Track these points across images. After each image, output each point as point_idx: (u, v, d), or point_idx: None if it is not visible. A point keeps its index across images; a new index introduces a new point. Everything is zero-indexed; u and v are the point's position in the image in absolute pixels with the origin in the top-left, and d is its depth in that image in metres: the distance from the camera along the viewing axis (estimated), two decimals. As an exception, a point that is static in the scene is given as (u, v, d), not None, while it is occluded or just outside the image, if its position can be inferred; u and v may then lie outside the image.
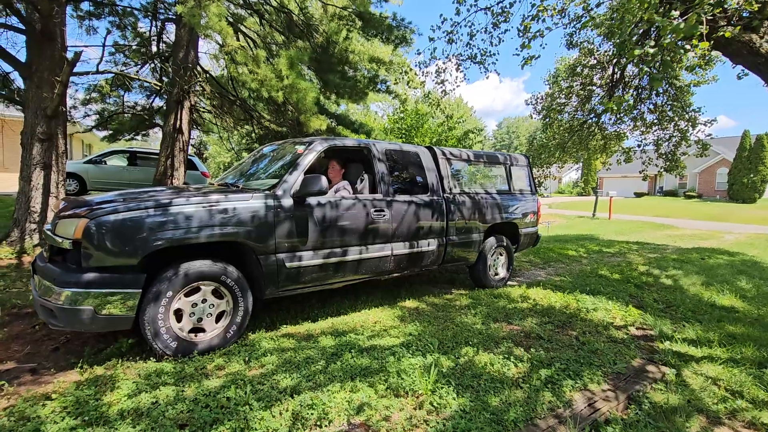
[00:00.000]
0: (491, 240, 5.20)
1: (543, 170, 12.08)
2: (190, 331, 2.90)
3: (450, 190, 4.73)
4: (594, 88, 11.23)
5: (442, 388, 2.50)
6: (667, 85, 9.94)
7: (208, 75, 8.69)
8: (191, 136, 9.08)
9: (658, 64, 3.45)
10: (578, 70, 10.60)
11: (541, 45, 10.00)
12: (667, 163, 10.03)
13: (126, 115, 10.24)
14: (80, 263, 2.52)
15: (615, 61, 9.49)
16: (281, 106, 7.99)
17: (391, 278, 4.29)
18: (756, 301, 5.45)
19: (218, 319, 3.02)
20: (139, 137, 11.77)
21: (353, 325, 3.63)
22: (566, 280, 5.72)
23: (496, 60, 6.95)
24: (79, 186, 11.01)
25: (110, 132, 10.75)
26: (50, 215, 5.75)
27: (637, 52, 2.94)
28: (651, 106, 10.55)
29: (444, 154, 4.88)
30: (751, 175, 29.65)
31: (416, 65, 6.96)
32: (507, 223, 5.39)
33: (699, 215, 21.38)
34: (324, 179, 3.30)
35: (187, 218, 2.79)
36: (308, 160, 3.56)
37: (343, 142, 4.02)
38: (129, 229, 2.59)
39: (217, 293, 2.99)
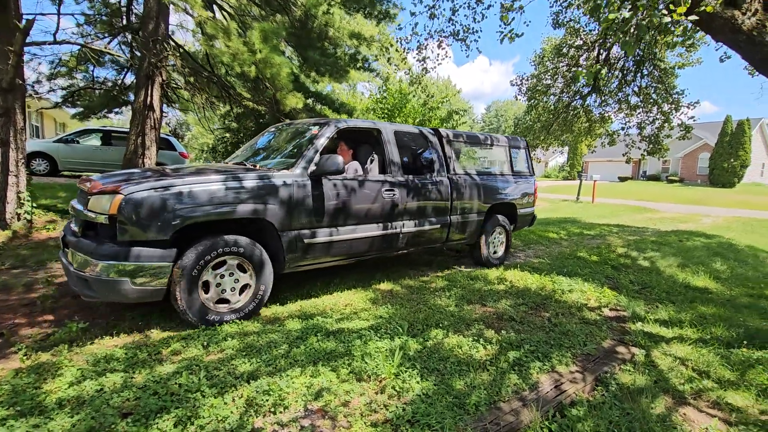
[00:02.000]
0: (492, 219, 5.36)
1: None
2: (216, 302, 3.07)
3: (454, 170, 4.90)
4: (580, 69, 11.11)
5: (406, 371, 2.42)
6: (651, 67, 9.87)
7: (182, 50, 8.29)
8: (168, 115, 8.75)
9: (633, 29, 3.32)
10: (564, 50, 10.44)
11: (525, 23, 9.82)
12: (650, 146, 10.04)
13: (97, 91, 9.78)
14: (115, 237, 2.69)
15: (600, 41, 9.36)
16: (258, 83, 7.69)
17: (367, 261, 4.18)
18: (729, 282, 5.54)
19: (241, 291, 3.18)
20: (112, 115, 11.30)
21: (323, 307, 3.52)
22: (544, 262, 5.70)
23: (479, 38, 6.75)
24: (50, 166, 10.57)
25: (81, 109, 10.29)
26: (10, 195, 5.47)
27: (611, 16, 2.80)
28: (635, 89, 10.50)
29: (449, 135, 5.03)
30: (732, 160, 30.17)
31: (397, 41, 6.72)
32: (506, 203, 5.57)
33: (680, 199, 21.73)
34: (341, 159, 3.45)
35: (216, 196, 2.95)
36: (323, 140, 3.69)
37: (354, 123, 4.12)
38: (162, 206, 2.75)
39: (241, 267, 3.14)
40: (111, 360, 2.41)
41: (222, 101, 8.82)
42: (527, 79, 11.06)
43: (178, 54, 7.80)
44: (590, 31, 9.40)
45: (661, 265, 6.08)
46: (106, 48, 8.64)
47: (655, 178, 36.92)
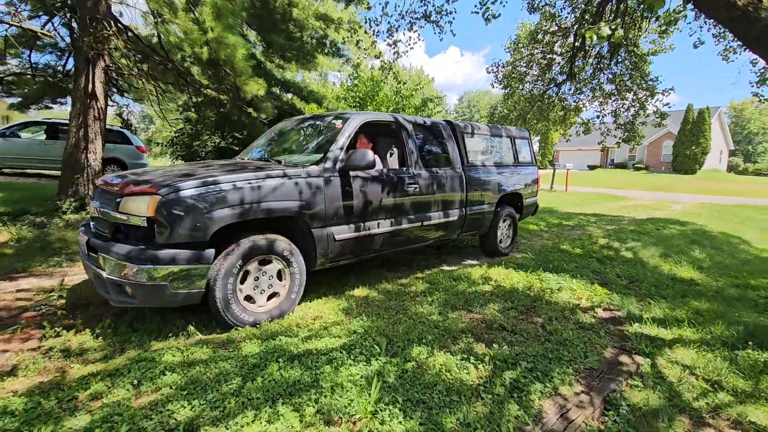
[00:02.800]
0: (501, 210, 5.46)
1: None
2: (251, 301, 3.02)
3: (468, 162, 4.96)
4: (555, 56, 10.91)
5: (385, 408, 1.99)
6: (626, 54, 9.74)
7: (130, 33, 7.46)
8: (129, 107, 7.94)
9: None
10: (539, 36, 10.18)
11: (501, 3, 9.43)
12: (626, 134, 9.97)
13: (35, 78, 8.77)
14: (152, 239, 2.59)
15: (576, 26, 9.13)
16: (218, 69, 7.00)
17: (340, 265, 3.74)
18: (712, 272, 5.44)
19: (276, 293, 3.15)
20: (56, 106, 10.25)
21: (288, 323, 3.04)
22: (528, 257, 5.40)
23: (453, 19, 6.32)
24: (-15, 164, 9.50)
25: (19, 99, 9.24)
26: None
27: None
28: (610, 76, 10.38)
29: (462, 127, 5.09)
30: (693, 148, 31.28)
31: (366, 22, 6.21)
32: (514, 193, 5.68)
33: (647, 186, 22.27)
34: (371, 153, 3.41)
35: (252, 194, 2.88)
36: (349, 134, 3.64)
37: (376, 116, 4.09)
38: (202, 206, 2.66)
39: (276, 266, 3.10)
40: (4, 414, 1.86)
41: (179, 89, 8.06)
42: (503, 66, 10.75)
43: (127, 37, 7.00)
44: (566, 16, 9.15)
45: (644, 256, 5.94)
46: (42, 31, 7.69)
47: (622, 165, 37.94)
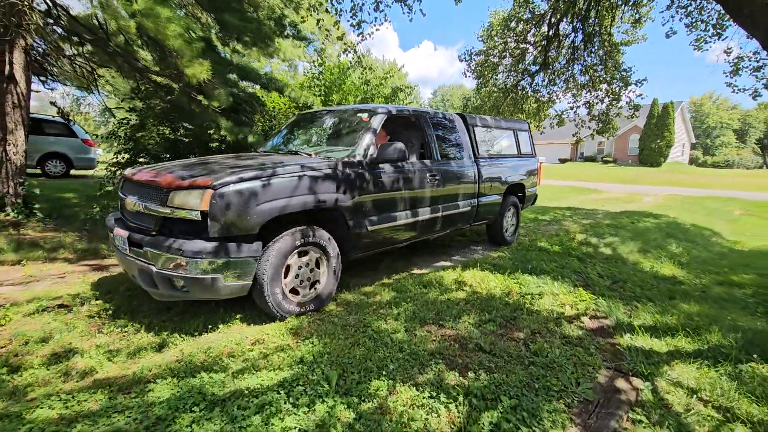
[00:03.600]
0: (507, 199, 5.63)
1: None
2: (294, 292, 3.05)
3: (478, 154, 5.10)
4: (527, 46, 10.59)
5: (325, 485, 1.46)
6: (599, 44, 9.51)
7: (60, 9, 6.54)
8: (89, 100, 7.00)
9: None
10: (512, 24, 9.81)
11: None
12: (600, 126, 9.77)
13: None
14: (201, 233, 2.62)
15: (550, 13, 8.79)
16: (164, 52, 6.22)
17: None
18: (692, 268, 5.29)
19: (317, 281, 3.18)
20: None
21: (219, 351, 2.46)
22: (505, 257, 4.99)
23: (424, -3, 5.79)
24: None
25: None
26: None
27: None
28: (583, 67, 10.15)
29: (473, 120, 5.20)
30: (658, 141, 32.17)
31: (328, 1, 5.59)
32: (518, 184, 5.85)
33: (617, 179, 22.61)
34: (402, 146, 3.53)
35: (296, 187, 2.93)
36: (377, 127, 3.72)
37: (399, 109, 4.16)
38: (253, 199, 2.69)
39: (316, 256, 3.15)
40: None
41: (123, 75, 7.19)
42: (476, 55, 10.34)
43: (56, 13, 6.10)
44: (539, 2, 8.80)
45: (623, 252, 5.71)
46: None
47: (591, 159, 38.71)
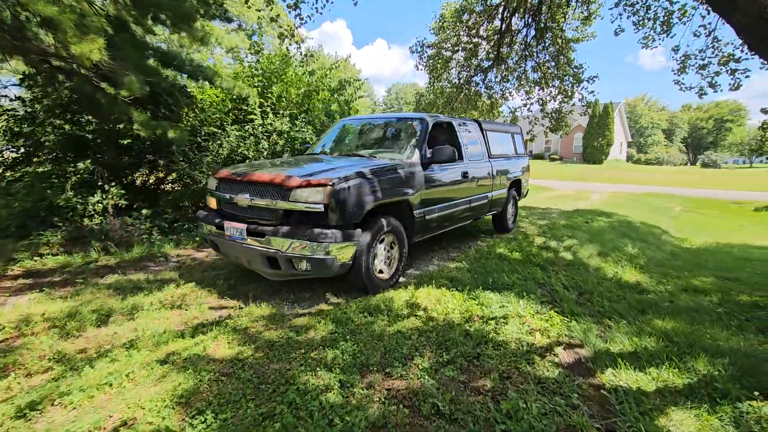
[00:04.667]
0: (509, 193, 6.58)
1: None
2: (378, 272, 3.75)
3: (491, 155, 5.97)
4: (480, 40, 10.24)
5: None
6: (550, 40, 9.33)
7: None
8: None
9: None
10: (465, 17, 9.39)
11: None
12: (553, 123, 9.62)
13: None
14: (322, 222, 3.29)
15: (503, 6, 8.44)
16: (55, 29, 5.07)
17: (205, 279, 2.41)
18: (652, 271, 5.23)
19: (390, 263, 3.92)
20: None
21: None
22: (463, 268, 4.46)
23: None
24: None
25: None
26: None
27: None
28: (535, 63, 9.96)
29: (486, 125, 6.10)
30: (600, 139, 33.78)
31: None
32: (518, 179, 6.83)
33: (565, 176, 23.30)
34: (452, 149, 4.31)
35: (387, 183, 3.75)
36: (427, 132, 4.59)
37: (438, 117, 5.02)
38: (360, 193, 3.45)
39: (391, 242, 3.90)
40: None
41: (6, 52, 5.88)
42: (428, 47, 9.84)
43: None
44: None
45: (583, 256, 5.45)
46: None
47: (539, 156, 40.05)
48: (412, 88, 67.32)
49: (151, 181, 6.57)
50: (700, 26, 7.24)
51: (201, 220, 3.94)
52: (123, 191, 5.48)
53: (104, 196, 5.32)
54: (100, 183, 5.49)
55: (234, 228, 3.52)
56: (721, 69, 7.20)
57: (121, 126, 5.85)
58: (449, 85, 10.80)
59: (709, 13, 6.93)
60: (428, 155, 4.34)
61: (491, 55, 9.88)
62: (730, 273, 5.32)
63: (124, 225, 5.27)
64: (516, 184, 6.90)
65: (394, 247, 3.93)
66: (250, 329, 2.82)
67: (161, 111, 6.42)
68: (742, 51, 6.85)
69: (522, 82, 10.16)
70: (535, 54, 9.69)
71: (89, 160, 5.53)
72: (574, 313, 3.39)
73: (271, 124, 6.66)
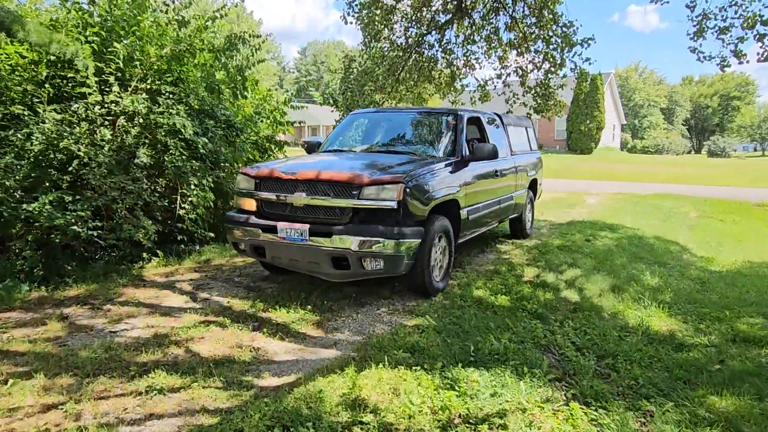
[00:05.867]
0: (528, 193, 8.09)
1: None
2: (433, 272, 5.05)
3: (512, 151, 7.46)
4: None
5: None
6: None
7: None
8: None
9: None
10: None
11: None
12: (538, 102, 9.79)
13: None
14: (393, 220, 4.46)
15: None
16: None
17: None
18: (683, 311, 5.38)
19: (443, 265, 5.25)
20: None
21: None
22: (428, 327, 4.20)
23: None
24: None
25: None
26: None
27: None
28: (510, 20, 10.11)
29: (505, 118, 7.54)
30: (588, 122, 36.08)
31: None
32: (534, 179, 8.45)
33: (549, 171, 24.22)
34: (492, 146, 5.70)
35: (443, 180, 5.15)
36: (464, 129, 6.06)
37: (469, 112, 6.60)
38: (426, 191, 4.76)
39: (443, 243, 5.17)
40: None
41: None
42: (361, -8, 9.60)
43: None
44: None
45: (592, 294, 5.65)
46: None
47: (512, 144, 41.87)
48: (337, 49, 67.54)
49: None
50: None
51: (238, 224, 4.93)
52: None
53: None
54: None
55: (292, 229, 4.52)
56: (746, 34, 7.68)
57: None
58: (391, 48, 10.62)
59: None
60: (466, 152, 5.74)
61: (450, 6, 9.87)
62: (780, 308, 5.58)
63: None
64: (533, 184, 8.39)
65: (445, 249, 5.17)
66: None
67: None
68: (772, 10, 7.36)
69: (493, 45, 10.27)
70: (509, 5, 9.83)
71: None
72: (599, 395, 3.23)
73: (116, 102, 5.93)
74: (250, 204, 4.95)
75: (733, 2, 7.67)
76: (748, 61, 7.82)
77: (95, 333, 4.11)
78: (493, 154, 5.62)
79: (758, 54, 7.66)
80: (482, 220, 6.16)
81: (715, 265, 8.27)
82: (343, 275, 4.60)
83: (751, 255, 9.31)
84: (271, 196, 4.72)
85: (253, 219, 4.80)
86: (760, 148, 72.52)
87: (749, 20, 7.62)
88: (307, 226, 4.43)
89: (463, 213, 5.46)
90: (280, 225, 4.53)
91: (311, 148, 6.87)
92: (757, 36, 7.55)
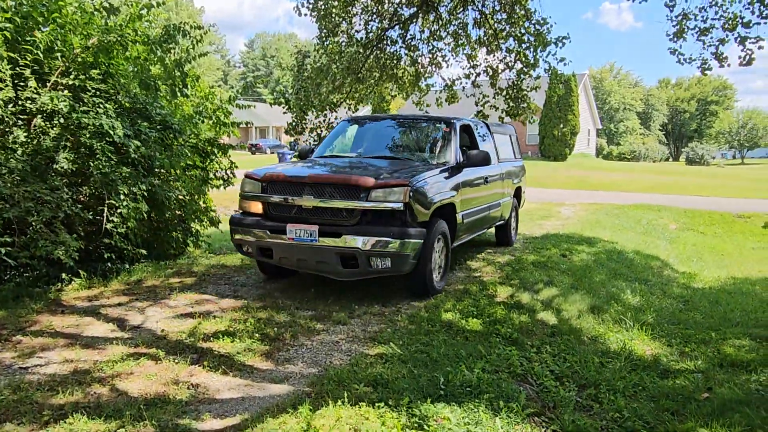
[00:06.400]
0: (513, 200, 9.10)
1: (321, 117, 10.60)
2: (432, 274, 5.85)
3: (499, 159, 8.40)
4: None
5: None
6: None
7: None
8: None
9: None
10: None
11: None
12: (510, 104, 9.97)
13: None
14: (399, 221, 5.22)
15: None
16: None
17: None
18: (667, 333, 5.55)
19: (441, 266, 6.09)
20: None
21: None
22: (393, 355, 4.17)
23: None
24: None
25: None
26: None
27: None
28: (479, 16, 10.27)
29: (491, 126, 8.73)
30: (562, 127, 37.06)
31: None
32: (519, 186, 9.43)
33: (519, 179, 24.87)
34: (486, 152, 6.68)
35: (443, 184, 6.02)
36: (459, 136, 7.02)
37: (461, 120, 7.52)
38: (429, 193, 5.54)
39: (442, 244, 5.98)
40: None
41: None
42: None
43: None
44: None
45: (571, 315, 5.81)
46: None
47: (481, 150, 42.62)
48: (288, 42, 67.41)
49: None
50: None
51: (244, 226, 5.61)
52: None
53: None
54: None
55: (302, 230, 5.21)
56: (727, 36, 8.03)
57: None
58: (350, 43, 10.64)
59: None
60: (461, 158, 6.62)
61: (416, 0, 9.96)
62: (766, 327, 5.78)
63: None
64: (517, 192, 9.34)
65: (443, 251, 5.96)
66: None
67: None
68: (752, 11, 7.71)
69: (461, 41, 10.39)
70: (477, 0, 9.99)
71: None
72: (581, 431, 3.22)
73: (32, 99, 5.69)
74: (256, 207, 5.66)
75: (713, 2, 8.01)
76: (729, 65, 8.17)
77: (1, 370, 3.87)
78: (486, 161, 6.49)
79: (740, 57, 8.02)
80: (475, 225, 7.05)
81: (697, 281, 8.58)
82: (352, 273, 5.34)
83: (733, 270, 9.72)
84: (279, 198, 5.44)
85: (260, 221, 5.52)
86: (739, 156, 76.24)
87: (730, 21, 7.97)
88: (317, 227, 5.14)
89: (459, 217, 6.26)
90: (290, 226, 5.22)
91: (304, 154, 7.61)
92: (739, 39, 7.90)
